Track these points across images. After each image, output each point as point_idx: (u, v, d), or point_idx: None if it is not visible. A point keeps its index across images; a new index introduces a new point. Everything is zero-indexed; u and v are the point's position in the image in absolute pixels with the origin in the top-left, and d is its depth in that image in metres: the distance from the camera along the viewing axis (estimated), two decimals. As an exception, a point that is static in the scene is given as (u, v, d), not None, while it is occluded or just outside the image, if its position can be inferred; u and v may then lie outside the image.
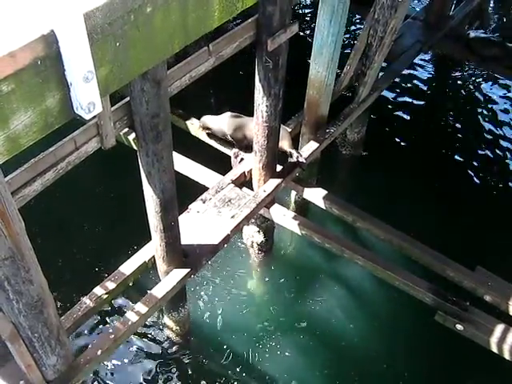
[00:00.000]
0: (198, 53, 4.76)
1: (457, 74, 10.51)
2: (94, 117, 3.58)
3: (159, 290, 5.33)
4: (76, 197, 7.75)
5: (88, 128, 4.14)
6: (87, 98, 2.39)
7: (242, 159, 6.53)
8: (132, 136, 6.12)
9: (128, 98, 4.12)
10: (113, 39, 2.45)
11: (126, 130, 5.82)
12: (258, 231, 7.17)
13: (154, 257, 5.48)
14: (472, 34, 9.31)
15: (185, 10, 2.78)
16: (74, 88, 2.35)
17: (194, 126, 6.92)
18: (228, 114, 6.69)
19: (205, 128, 6.79)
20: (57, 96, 2.36)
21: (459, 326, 5.65)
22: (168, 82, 4.23)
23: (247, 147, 6.50)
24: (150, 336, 6.79)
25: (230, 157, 6.67)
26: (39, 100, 2.31)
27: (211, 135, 6.83)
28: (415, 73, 10.48)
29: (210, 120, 6.75)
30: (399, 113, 9.68)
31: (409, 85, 10.24)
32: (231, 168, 6.55)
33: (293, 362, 6.69)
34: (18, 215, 3.25)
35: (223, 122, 6.62)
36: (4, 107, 2.19)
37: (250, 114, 5.86)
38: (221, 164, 6.64)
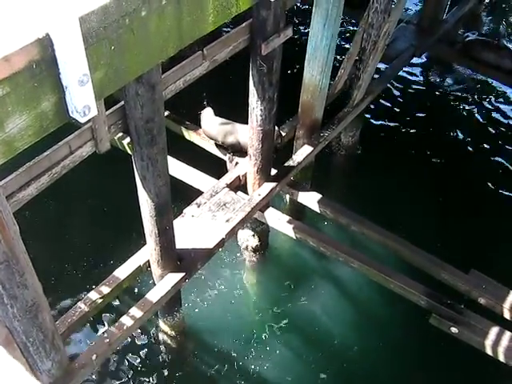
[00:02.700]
0: (193, 57, 4.77)
1: (451, 77, 10.55)
2: (89, 121, 3.58)
3: (154, 295, 5.32)
4: (70, 201, 7.74)
5: (82, 132, 4.14)
6: (82, 102, 2.39)
7: (237, 163, 6.54)
8: (126, 140, 6.09)
9: (122, 102, 4.12)
10: (108, 43, 2.45)
11: (121, 134, 5.81)
12: (253, 235, 7.17)
13: (148, 261, 5.47)
14: (470, 36, 9.32)
15: (179, 13, 2.79)
16: (70, 91, 2.35)
17: (188, 130, 6.92)
18: (218, 120, 6.68)
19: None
20: (52, 99, 2.36)
21: (454, 329, 5.67)
22: (162, 86, 4.23)
23: (241, 151, 6.52)
24: (144, 340, 6.77)
25: (224, 161, 6.68)
26: (34, 103, 2.31)
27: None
28: (409, 76, 10.52)
29: (205, 120, 6.72)
30: (393, 116, 9.70)
31: (403, 88, 10.27)
32: (226, 172, 6.55)
33: (288, 364, 6.70)
34: (13, 219, 3.24)
35: (214, 129, 6.62)
36: (-1, 110, 2.19)
37: (245, 117, 5.88)
38: (216, 168, 6.65)
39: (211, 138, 6.73)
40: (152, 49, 2.75)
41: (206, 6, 2.91)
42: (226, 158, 6.68)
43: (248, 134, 5.88)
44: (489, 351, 5.60)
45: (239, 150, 6.55)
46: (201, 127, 6.79)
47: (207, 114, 6.74)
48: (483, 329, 5.63)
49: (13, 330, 3.81)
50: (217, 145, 6.76)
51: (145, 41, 2.66)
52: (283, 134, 6.77)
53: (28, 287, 3.58)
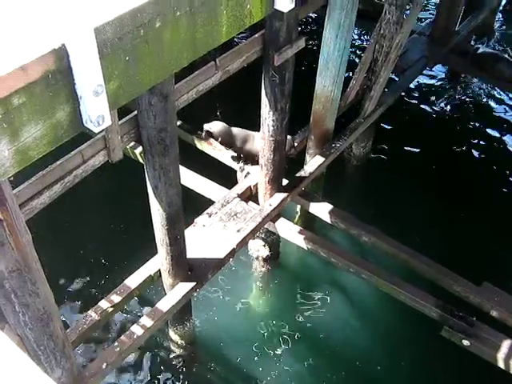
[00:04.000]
0: (206, 67, 4.79)
1: (463, 88, 10.52)
2: (102, 130, 3.60)
3: (165, 304, 5.32)
4: (82, 210, 7.77)
5: (95, 141, 4.16)
6: (96, 112, 2.41)
7: (247, 173, 6.54)
8: (139, 150, 6.14)
9: (135, 112, 4.14)
10: (122, 53, 2.47)
11: (133, 143, 5.84)
12: (264, 245, 7.16)
13: (159, 270, 5.48)
14: (481, 49, 9.30)
15: (193, 25, 2.81)
16: (84, 101, 2.37)
17: (200, 140, 6.93)
18: (233, 128, 6.63)
19: (209, 134, 6.61)
20: (67, 109, 2.38)
21: (466, 342, 5.62)
22: (175, 96, 4.25)
23: (253, 160, 6.51)
24: (154, 349, 6.77)
25: (235, 171, 6.68)
26: (49, 113, 2.32)
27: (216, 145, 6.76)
28: (421, 87, 10.51)
29: (219, 129, 6.57)
30: (405, 127, 9.68)
31: (415, 99, 10.26)
32: (237, 182, 6.55)
33: (298, 375, 6.67)
34: (26, 227, 3.26)
35: (231, 136, 6.56)
36: (15, 120, 2.20)
37: (257, 128, 5.89)
38: (227, 178, 6.65)
39: (228, 145, 6.63)
40: (166, 59, 2.77)
41: (219, 17, 2.93)
42: (236, 167, 6.67)
43: (260, 144, 5.89)
44: (501, 364, 5.54)
45: (253, 158, 6.52)
46: (210, 138, 6.71)
47: (219, 124, 6.58)
48: (495, 342, 5.58)
49: (24, 338, 3.83)
50: (233, 156, 6.70)
51: (159, 52, 2.68)
52: (296, 144, 6.78)
53: (40, 295, 3.59)
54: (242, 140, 6.51)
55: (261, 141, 5.82)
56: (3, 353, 1.35)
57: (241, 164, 6.60)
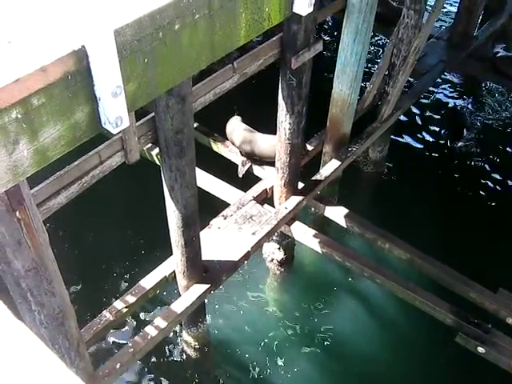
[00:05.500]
0: (223, 70, 4.80)
1: (482, 93, 10.45)
2: (119, 132, 3.62)
3: (179, 305, 5.33)
4: (99, 210, 7.80)
5: (113, 142, 4.18)
6: (115, 113, 2.42)
7: (250, 167, 6.61)
8: (156, 151, 6.17)
9: (153, 114, 4.16)
10: (141, 55, 2.49)
11: (150, 145, 5.86)
12: (279, 248, 7.16)
13: (174, 271, 5.49)
14: (500, 53, 9.22)
15: (212, 27, 2.81)
16: (103, 103, 2.39)
17: (216, 143, 6.95)
18: (242, 126, 6.73)
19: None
20: (85, 110, 2.40)
21: (481, 349, 5.57)
22: (193, 98, 4.27)
23: (256, 161, 6.59)
24: (168, 351, 6.78)
25: (252, 174, 6.68)
26: (68, 114, 2.34)
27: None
28: (439, 92, 10.45)
29: (230, 124, 6.83)
30: (422, 132, 9.63)
31: (432, 104, 10.20)
32: (252, 184, 6.54)
33: (311, 377, 6.65)
34: (43, 227, 3.29)
35: (235, 134, 6.69)
36: (34, 120, 2.22)
37: (273, 130, 5.89)
38: (243, 181, 6.66)
39: (231, 142, 6.81)
40: (184, 62, 2.78)
41: (238, 20, 2.94)
42: (238, 161, 6.72)
43: (276, 147, 5.89)
44: (516, 373, 5.51)
45: (255, 159, 6.59)
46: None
47: (234, 119, 6.85)
48: (511, 350, 5.53)
49: (39, 337, 3.83)
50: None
51: (177, 54, 2.69)
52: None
53: (55, 295, 3.61)
54: (242, 140, 6.62)
55: (277, 144, 5.83)
56: (25, 344, 1.36)
57: (243, 158, 6.63)
